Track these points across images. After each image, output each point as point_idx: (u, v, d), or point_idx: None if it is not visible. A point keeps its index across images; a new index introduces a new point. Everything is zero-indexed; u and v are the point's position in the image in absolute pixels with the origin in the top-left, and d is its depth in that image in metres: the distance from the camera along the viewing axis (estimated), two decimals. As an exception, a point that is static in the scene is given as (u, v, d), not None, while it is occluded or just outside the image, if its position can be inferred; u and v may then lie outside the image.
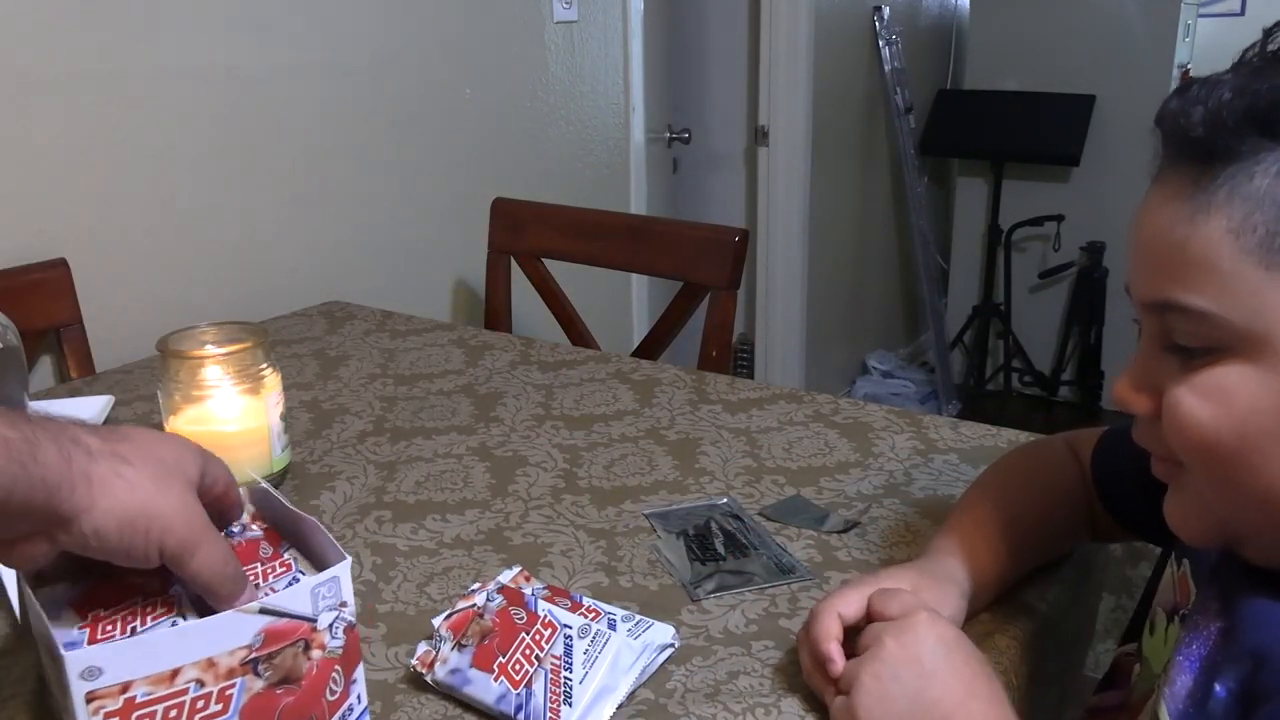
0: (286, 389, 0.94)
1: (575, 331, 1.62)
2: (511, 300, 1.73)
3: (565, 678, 0.61)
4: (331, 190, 1.66)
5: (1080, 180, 3.30)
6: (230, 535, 0.63)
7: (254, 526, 0.65)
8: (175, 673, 0.52)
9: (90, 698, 0.50)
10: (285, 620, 0.56)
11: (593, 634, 0.64)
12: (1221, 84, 0.46)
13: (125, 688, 0.51)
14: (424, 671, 0.64)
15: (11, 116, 1.23)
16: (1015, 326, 3.51)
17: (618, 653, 0.63)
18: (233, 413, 0.89)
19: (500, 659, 0.62)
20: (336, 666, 0.59)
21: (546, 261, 1.66)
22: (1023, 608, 0.72)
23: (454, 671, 0.63)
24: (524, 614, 0.65)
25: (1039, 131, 3.26)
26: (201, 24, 1.42)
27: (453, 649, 0.64)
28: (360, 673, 0.61)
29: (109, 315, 1.36)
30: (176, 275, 1.44)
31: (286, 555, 0.64)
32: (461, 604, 0.67)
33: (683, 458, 0.99)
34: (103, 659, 0.50)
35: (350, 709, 0.61)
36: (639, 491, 0.92)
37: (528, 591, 0.68)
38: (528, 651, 0.63)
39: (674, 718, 0.62)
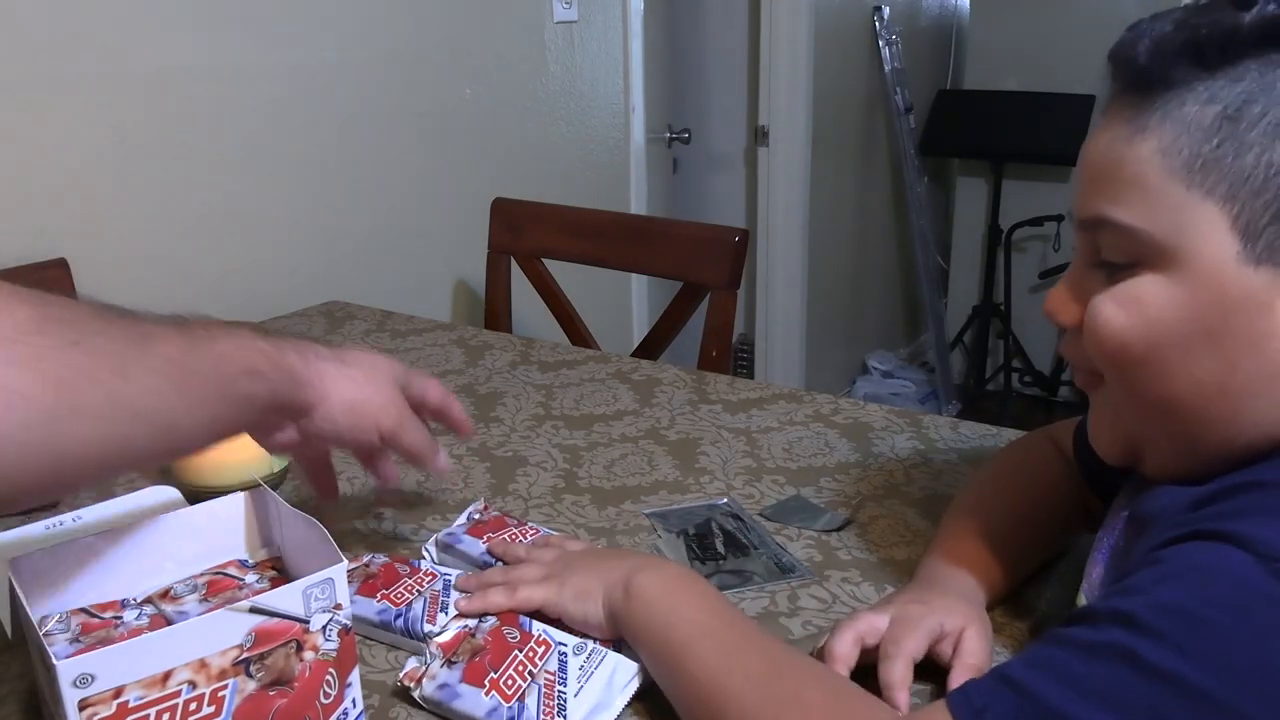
0: (286, 389, 0.94)
1: (575, 331, 1.62)
2: (511, 300, 1.73)
3: (559, 692, 0.61)
4: (331, 190, 1.66)
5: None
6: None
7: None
8: (167, 675, 0.52)
9: (83, 705, 0.50)
10: (276, 620, 0.56)
11: (589, 651, 0.64)
12: (1166, 18, 0.51)
13: (118, 693, 0.51)
14: (412, 687, 0.63)
15: (11, 116, 1.23)
16: (1015, 326, 3.51)
17: (614, 670, 0.63)
18: (233, 413, 0.89)
19: (491, 674, 0.62)
20: (330, 669, 0.58)
21: (546, 261, 1.66)
22: (1023, 607, 0.72)
23: (443, 687, 0.62)
24: (517, 633, 0.65)
25: (1039, 131, 3.26)
26: (202, 24, 1.42)
27: (442, 665, 0.63)
28: (355, 676, 0.61)
29: (109, 315, 1.36)
30: (177, 275, 1.44)
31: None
32: (453, 624, 0.66)
33: (683, 458, 0.99)
34: (95, 666, 0.50)
35: (345, 713, 0.60)
36: (639, 491, 0.92)
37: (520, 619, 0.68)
38: (520, 668, 0.62)
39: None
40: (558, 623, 0.67)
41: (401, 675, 0.63)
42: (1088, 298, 0.54)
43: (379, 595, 0.70)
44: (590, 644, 0.65)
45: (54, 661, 0.49)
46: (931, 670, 0.62)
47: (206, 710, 0.54)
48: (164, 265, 1.42)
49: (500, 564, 0.75)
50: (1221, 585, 0.43)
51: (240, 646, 0.54)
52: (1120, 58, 0.53)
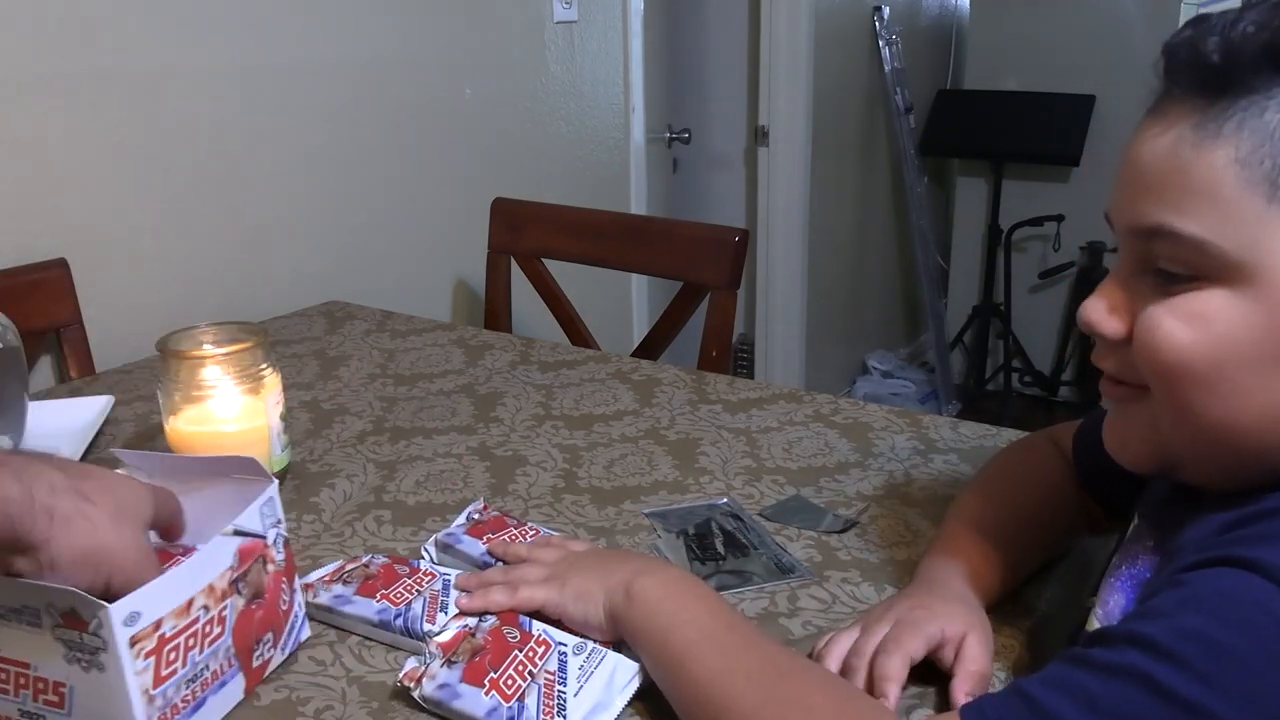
0: (286, 389, 0.94)
1: (575, 331, 1.62)
2: (511, 300, 1.73)
3: (559, 691, 0.61)
4: (331, 190, 1.66)
5: (1080, 180, 3.30)
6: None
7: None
8: (190, 603, 0.57)
9: (133, 641, 0.53)
10: (249, 539, 0.62)
11: (588, 651, 0.64)
12: (1243, 17, 0.47)
13: (157, 625, 0.55)
14: (411, 687, 0.62)
15: (11, 116, 1.23)
16: (1015, 326, 3.51)
17: (614, 670, 0.63)
18: (233, 413, 0.89)
19: (491, 674, 0.61)
20: (284, 579, 0.66)
21: (546, 261, 1.66)
22: (1023, 607, 0.72)
23: (443, 686, 0.61)
24: (517, 633, 0.65)
25: (1039, 131, 3.26)
26: (202, 24, 1.42)
27: (442, 665, 0.63)
28: (298, 582, 0.68)
29: (109, 315, 1.36)
30: (176, 275, 1.44)
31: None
32: (453, 623, 0.66)
33: (683, 458, 0.99)
34: (140, 603, 0.54)
35: (296, 617, 0.67)
36: (639, 491, 0.92)
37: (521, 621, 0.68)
38: (520, 667, 0.62)
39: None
40: (558, 623, 0.67)
41: (401, 675, 0.63)
42: (1135, 308, 0.51)
43: (378, 595, 0.71)
44: (590, 644, 0.65)
45: (104, 605, 0.52)
46: (933, 675, 0.62)
47: (216, 630, 0.59)
48: (164, 265, 1.42)
49: (501, 564, 0.75)
50: (1244, 612, 0.42)
51: (231, 568, 0.60)
52: (1185, 55, 0.49)
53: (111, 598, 0.54)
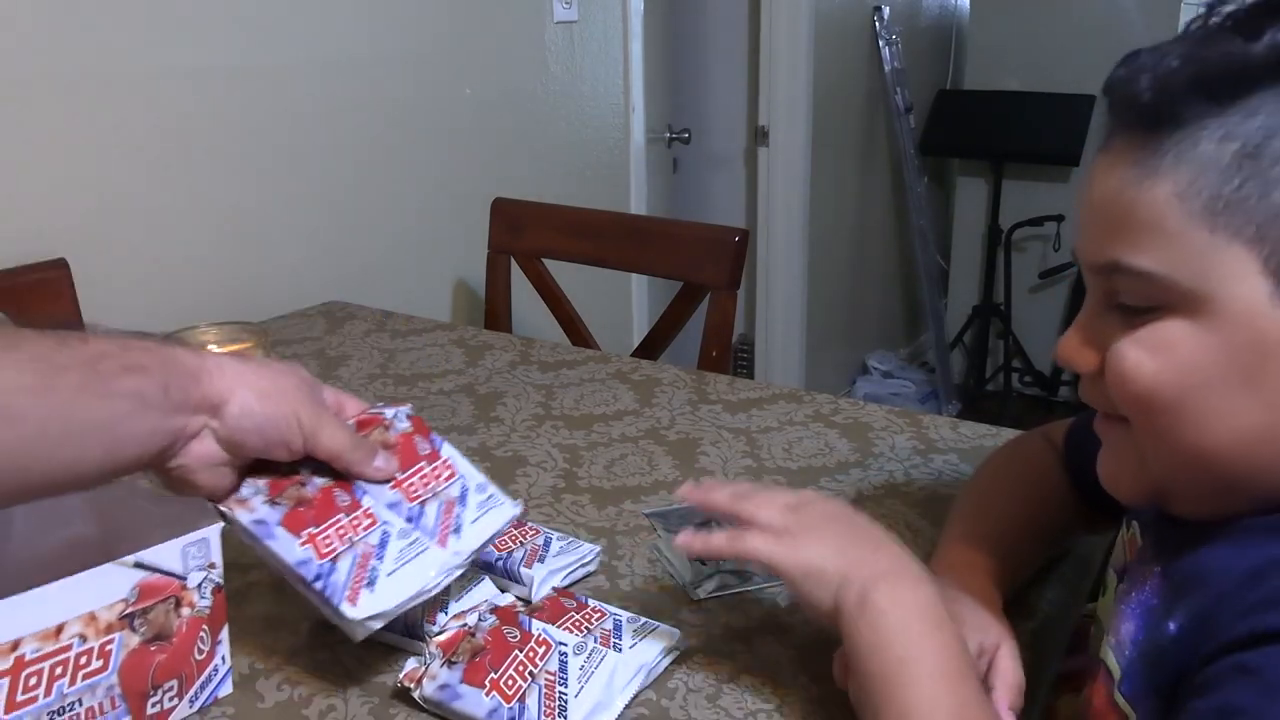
0: (286, 389, 0.94)
1: (575, 331, 1.62)
2: (511, 300, 1.73)
3: (560, 692, 0.61)
4: (331, 190, 1.65)
5: (1080, 180, 3.29)
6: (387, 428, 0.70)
7: (404, 419, 0.71)
8: (60, 628, 0.54)
9: None
10: (158, 575, 0.58)
11: (589, 651, 0.64)
12: (1169, 52, 0.48)
13: (15, 645, 0.52)
14: (411, 687, 0.62)
15: (11, 116, 1.23)
16: (1015, 326, 3.51)
17: (614, 670, 0.63)
18: (233, 413, 0.89)
19: (492, 675, 0.61)
20: (204, 626, 0.62)
21: (546, 261, 1.66)
22: (1023, 607, 0.72)
23: (443, 687, 0.61)
24: (518, 633, 0.65)
25: (1039, 131, 3.26)
26: (201, 24, 1.42)
27: (442, 665, 0.62)
28: (225, 634, 0.64)
29: (109, 315, 1.36)
30: (176, 275, 1.44)
31: (444, 453, 0.70)
32: (453, 623, 0.66)
33: (683, 458, 0.99)
34: None
35: (215, 669, 0.63)
36: (639, 491, 0.92)
37: (521, 613, 0.67)
38: (521, 668, 0.62)
39: None
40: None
41: (401, 676, 0.63)
42: (1105, 342, 0.51)
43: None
44: (591, 644, 0.65)
45: None
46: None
47: (95, 664, 0.55)
48: (164, 265, 1.42)
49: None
50: None
51: (125, 601, 0.56)
52: (1120, 94, 0.50)
53: (307, 439, 0.61)
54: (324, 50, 1.60)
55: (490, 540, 0.69)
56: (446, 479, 0.69)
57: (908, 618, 0.56)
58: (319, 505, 0.63)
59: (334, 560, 0.61)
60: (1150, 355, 0.49)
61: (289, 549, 0.60)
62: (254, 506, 0.62)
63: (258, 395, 0.59)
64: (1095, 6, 3.20)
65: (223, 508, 0.62)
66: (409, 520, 0.66)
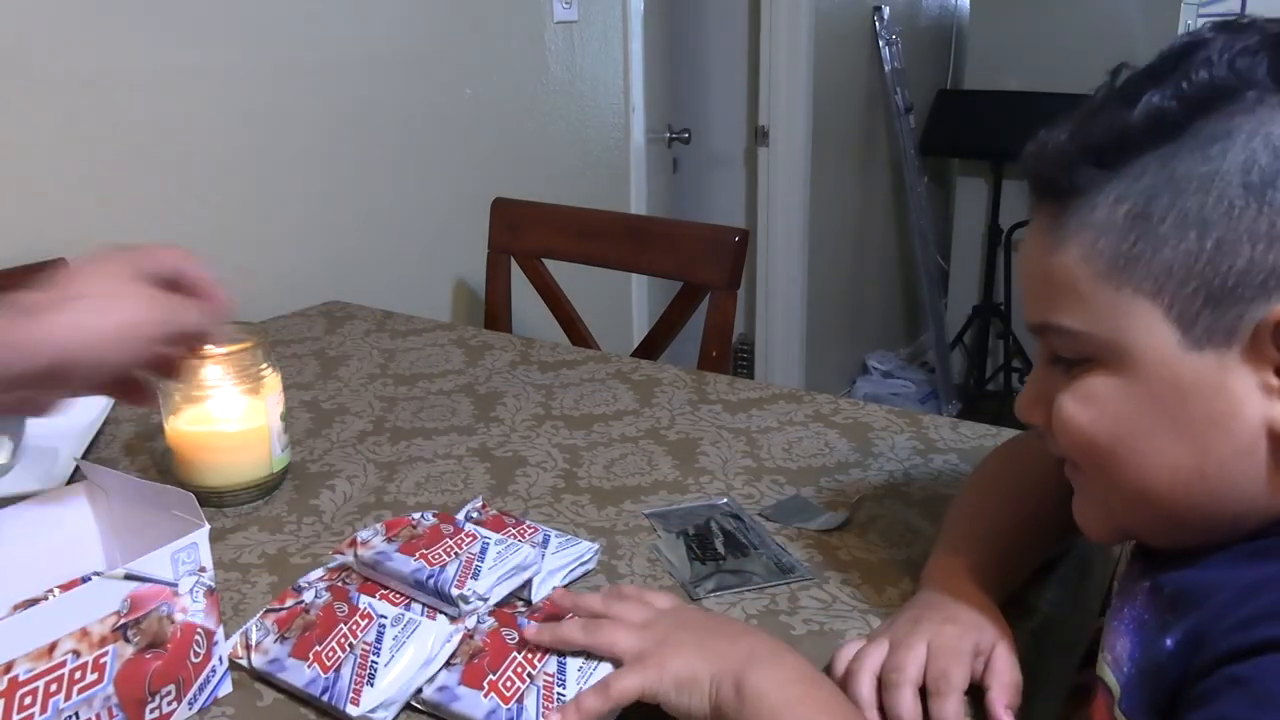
0: (286, 389, 0.94)
1: (575, 331, 1.62)
2: (511, 300, 1.73)
3: (559, 694, 0.60)
4: (331, 190, 1.66)
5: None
6: (413, 526, 0.74)
7: (429, 516, 0.75)
8: (53, 646, 0.54)
9: None
10: (149, 585, 0.59)
11: (587, 651, 0.64)
12: (1062, 128, 0.52)
13: (8, 668, 0.52)
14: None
15: (11, 116, 1.23)
16: (1015, 326, 3.51)
17: (612, 671, 0.63)
18: (233, 413, 0.89)
19: (490, 676, 0.62)
20: (199, 630, 0.62)
21: (546, 261, 1.66)
22: (1023, 608, 0.72)
23: (442, 689, 0.62)
24: (515, 635, 0.65)
25: (1039, 131, 3.26)
26: (202, 24, 1.42)
27: (441, 668, 0.63)
28: (220, 635, 0.64)
29: (109, 315, 1.36)
30: (176, 275, 1.44)
31: (465, 526, 0.74)
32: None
33: (683, 458, 0.99)
34: None
35: (213, 671, 0.64)
36: (639, 491, 0.92)
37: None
38: (519, 669, 0.62)
39: None
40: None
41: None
42: (1051, 396, 0.54)
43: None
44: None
45: None
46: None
47: (90, 678, 0.56)
48: (164, 265, 1.42)
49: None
50: None
51: (118, 613, 0.57)
52: (1028, 171, 0.54)
53: (177, 340, 0.61)
54: (324, 50, 1.60)
55: (512, 573, 0.71)
56: (469, 543, 0.72)
57: (787, 689, 0.56)
58: (321, 624, 0.66)
59: (337, 670, 0.63)
60: (1083, 406, 0.52)
61: (299, 674, 0.64)
62: (266, 648, 0.66)
63: (109, 343, 0.58)
64: (1095, 7, 3.20)
65: (240, 661, 0.66)
66: (429, 579, 0.68)
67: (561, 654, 0.63)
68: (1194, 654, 0.47)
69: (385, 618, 0.66)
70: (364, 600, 0.68)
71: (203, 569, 0.62)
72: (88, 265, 0.60)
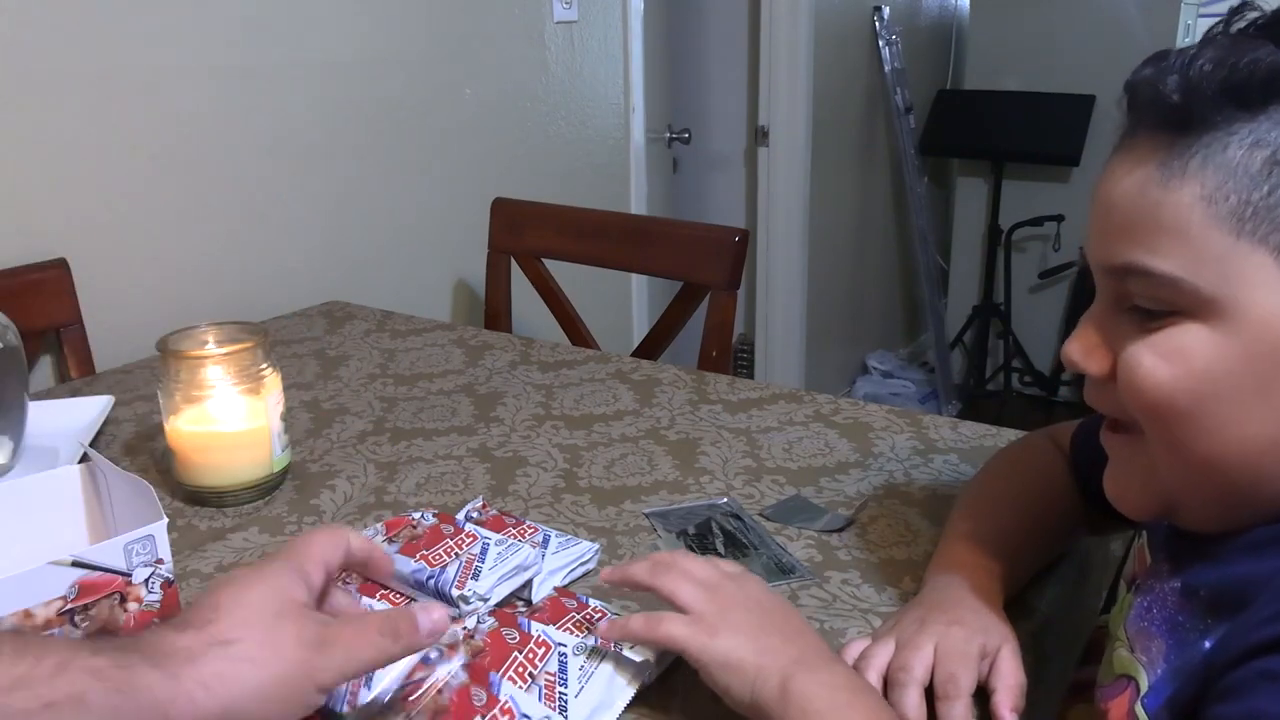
0: (286, 389, 0.94)
1: (575, 331, 1.62)
2: (511, 300, 1.73)
3: (560, 693, 0.61)
4: (331, 190, 1.66)
5: (1080, 180, 3.30)
6: (413, 525, 0.75)
7: (429, 516, 0.75)
8: None
9: None
10: (98, 574, 0.60)
11: (589, 651, 0.64)
12: (1199, 55, 0.47)
13: None
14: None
15: (11, 116, 1.23)
16: (1015, 326, 3.51)
17: (614, 670, 0.63)
18: (233, 413, 0.89)
19: (491, 676, 0.62)
20: (154, 619, 0.63)
21: (546, 261, 1.66)
22: (1023, 608, 0.72)
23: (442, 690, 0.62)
24: (516, 634, 0.65)
25: (1039, 131, 3.26)
26: (201, 24, 1.42)
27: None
28: None
29: (109, 315, 1.36)
30: (176, 275, 1.44)
31: (468, 528, 0.75)
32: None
33: (683, 458, 0.99)
34: None
35: None
36: (639, 491, 0.92)
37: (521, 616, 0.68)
38: (521, 669, 0.62)
39: None
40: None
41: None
42: (1116, 345, 0.51)
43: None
44: (590, 644, 0.65)
45: None
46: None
47: None
48: (164, 265, 1.42)
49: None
50: None
51: (64, 598, 0.58)
52: (1146, 94, 0.49)
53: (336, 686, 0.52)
54: (324, 50, 1.60)
55: (512, 573, 0.71)
56: (469, 543, 0.73)
57: (835, 695, 0.55)
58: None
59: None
60: (1166, 361, 0.48)
61: None
62: None
63: (260, 699, 0.48)
64: (1095, 6, 3.20)
65: None
66: (430, 580, 0.69)
67: (563, 654, 0.63)
68: (1227, 649, 0.47)
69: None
70: (364, 601, 0.68)
71: (160, 560, 0.63)
72: (229, 598, 0.50)
